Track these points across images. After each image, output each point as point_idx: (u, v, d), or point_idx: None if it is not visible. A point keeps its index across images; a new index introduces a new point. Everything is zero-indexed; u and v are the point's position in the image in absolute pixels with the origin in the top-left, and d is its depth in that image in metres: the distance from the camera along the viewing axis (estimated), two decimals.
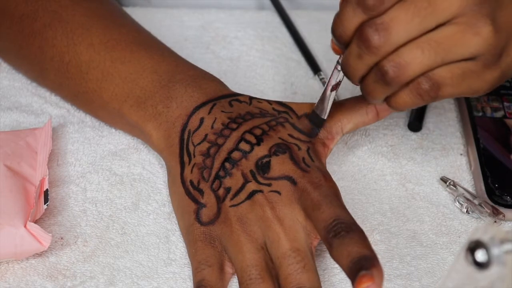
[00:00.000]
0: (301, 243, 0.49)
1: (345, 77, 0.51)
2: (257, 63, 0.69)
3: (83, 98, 0.60)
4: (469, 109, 0.62)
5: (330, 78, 0.53)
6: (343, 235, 0.46)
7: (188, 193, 0.53)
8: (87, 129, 0.61)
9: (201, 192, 0.52)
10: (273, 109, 0.56)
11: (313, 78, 0.67)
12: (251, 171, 0.52)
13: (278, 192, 0.51)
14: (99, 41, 0.58)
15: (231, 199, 0.51)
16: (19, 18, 0.60)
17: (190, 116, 0.55)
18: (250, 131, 0.53)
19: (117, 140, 0.60)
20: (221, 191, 0.52)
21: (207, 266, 0.50)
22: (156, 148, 0.57)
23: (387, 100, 0.50)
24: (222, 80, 0.59)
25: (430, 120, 0.63)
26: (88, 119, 0.62)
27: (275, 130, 0.54)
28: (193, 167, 0.53)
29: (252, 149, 0.53)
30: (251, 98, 0.57)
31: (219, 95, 0.56)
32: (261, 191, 0.51)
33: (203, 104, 0.55)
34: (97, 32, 0.59)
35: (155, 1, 0.76)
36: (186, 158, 0.54)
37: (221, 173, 0.52)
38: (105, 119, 0.61)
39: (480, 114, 0.62)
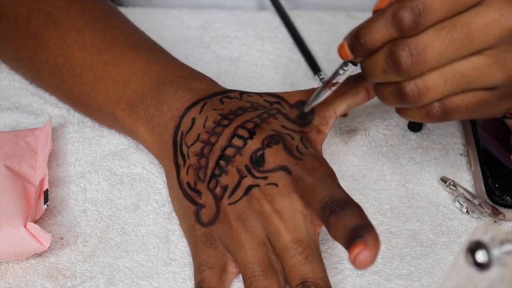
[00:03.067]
0: (302, 233, 0.49)
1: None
2: (257, 63, 0.69)
3: (79, 102, 0.60)
4: None
5: (331, 77, 0.52)
6: (338, 211, 0.46)
7: (186, 195, 0.52)
8: (87, 129, 0.61)
9: (198, 193, 0.52)
10: (265, 100, 0.56)
11: (313, 78, 0.67)
12: (246, 166, 0.51)
13: (275, 184, 0.50)
14: (91, 43, 0.58)
15: (229, 197, 0.51)
16: (14, 18, 0.60)
17: (181, 117, 0.55)
18: (242, 126, 0.53)
19: (117, 140, 0.60)
20: (218, 190, 0.51)
21: (207, 267, 0.50)
22: (151, 152, 0.57)
23: (396, 108, 0.50)
24: (222, 80, 0.59)
25: None
26: (88, 119, 0.62)
27: (267, 122, 0.54)
28: (188, 168, 0.53)
29: (245, 143, 0.52)
30: (241, 93, 0.57)
31: (210, 94, 0.56)
32: (257, 185, 0.51)
33: (194, 104, 0.55)
34: (90, 34, 0.59)
35: (155, 1, 0.76)
36: (180, 161, 0.54)
37: (217, 171, 0.52)
38: (101, 121, 0.61)
39: None
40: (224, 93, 0.56)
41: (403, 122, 0.63)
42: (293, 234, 0.49)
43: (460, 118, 0.49)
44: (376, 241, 0.44)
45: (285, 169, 0.51)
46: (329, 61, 0.68)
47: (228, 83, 0.59)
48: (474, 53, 0.45)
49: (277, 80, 0.67)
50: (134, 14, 0.64)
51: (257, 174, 0.51)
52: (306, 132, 0.54)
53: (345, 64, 0.50)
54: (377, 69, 0.47)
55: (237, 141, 0.53)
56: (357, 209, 0.46)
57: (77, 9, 0.60)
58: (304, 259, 0.48)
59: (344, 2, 0.76)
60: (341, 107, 0.56)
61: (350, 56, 0.49)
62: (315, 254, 0.49)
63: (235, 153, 0.52)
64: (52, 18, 0.59)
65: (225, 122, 0.54)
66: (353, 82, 0.56)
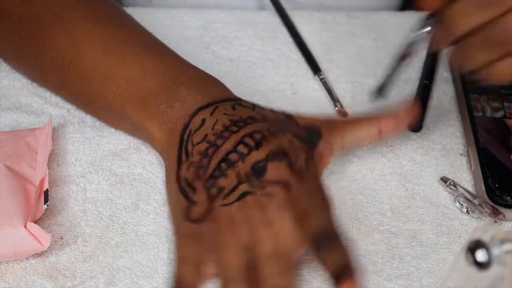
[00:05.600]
0: (286, 248, 0.49)
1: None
2: (257, 63, 0.69)
3: (85, 99, 0.59)
4: (469, 109, 0.62)
5: (403, 48, 0.51)
6: (327, 245, 0.48)
7: (181, 189, 0.53)
8: (87, 129, 0.61)
9: (194, 189, 0.52)
10: (276, 116, 0.56)
11: (313, 78, 0.67)
12: (246, 173, 0.52)
13: (271, 196, 0.51)
14: (99, 42, 0.58)
15: (223, 198, 0.51)
16: (18, 20, 0.60)
17: (192, 116, 0.55)
18: (250, 135, 0.53)
19: (117, 140, 0.60)
20: (214, 190, 0.52)
21: (186, 263, 0.50)
22: (158, 148, 0.57)
23: (480, 69, 0.49)
24: (222, 80, 0.59)
25: (430, 120, 0.63)
26: (88, 119, 0.62)
27: (275, 136, 0.54)
28: (189, 165, 0.53)
29: (250, 152, 0.52)
30: (254, 104, 0.57)
31: (223, 98, 0.56)
32: (253, 193, 0.51)
33: (206, 106, 0.55)
34: (98, 33, 0.59)
35: (155, 1, 0.76)
36: (183, 157, 0.54)
37: (216, 172, 0.52)
38: (106, 119, 0.61)
39: (480, 114, 0.62)
40: (237, 100, 0.57)
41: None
42: (277, 247, 0.49)
43: None
44: (357, 283, 0.47)
45: (284, 185, 0.51)
46: (329, 61, 0.68)
47: (228, 83, 0.59)
48: None
49: (277, 80, 0.67)
50: (134, 14, 0.64)
51: (255, 183, 0.51)
52: (311, 154, 0.54)
53: (429, 17, 0.49)
54: (473, 7, 0.46)
55: (242, 148, 0.53)
56: (345, 248, 0.49)
57: (83, 10, 0.60)
58: (281, 272, 0.48)
59: (344, 2, 0.76)
60: (349, 139, 0.56)
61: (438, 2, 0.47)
62: (292, 271, 0.49)
63: (238, 159, 0.52)
64: (58, 18, 0.59)
65: (234, 128, 0.54)
66: (367, 122, 0.56)
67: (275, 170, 0.52)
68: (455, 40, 0.48)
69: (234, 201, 0.51)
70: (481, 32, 0.47)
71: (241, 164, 0.52)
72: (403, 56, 0.51)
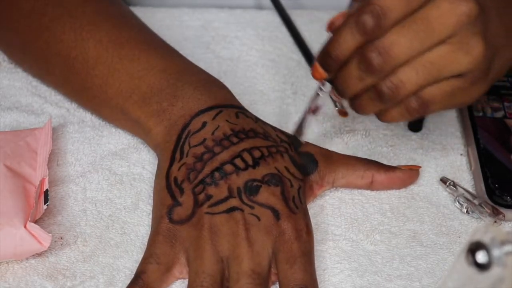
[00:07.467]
0: (264, 270, 0.49)
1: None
2: (257, 63, 0.68)
3: (87, 94, 0.59)
4: (469, 109, 0.62)
5: (310, 102, 0.53)
6: None
7: (168, 188, 0.53)
8: (87, 129, 0.61)
9: (181, 191, 0.52)
10: (276, 135, 0.56)
11: (313, 78, 0.67)
12: (238, 188, 0.52)
13: (258, 217, 0.51)
14: (108, 38, 0.58)
15: (209, 206, 0.51)
16: (28, 12, 0.61)
17: (193, 117, 0.55)
18: (249, 151, 0.53)
19: (117, 140, 0.60)
20: (201, 196, 0.52)
21: (155, 262, 0.50)
22: (153, 143, 0.57)
23: (377, 114, 0.52)
24: (222, 80, 0.59)
25: (430, 120, 0.63)
26: (88, 119, 0.62)
27: (273, 158, 0.54)
28: (182, 165, 0.53)
29: (246, 168, 0.53)
30: (257, 118, 0.57)
31: (227, 103, 0.56)
32: (241, 209, 0.51)
33: (209, 109, 0.55)
34: (107, 30, 0.59)
35: (155, 0, 0.76)
36: (177, 156, 0.54)
37: (208, 179, 0.52)
38: (105, 115, 0.60)
39: (480, 114, 0.62)
40: (241, 109, 0.57)
41: (403, 123, 0.63)
42: (256, 266, 0.49)
43: (438, 109, 0.51)
44: None
45: (275, 212, 0.51)
46: None
47: (228, 83, 0.59)
48: (438, 43, 0.48)
49: (277, 80, 0.67)
50: None
51: (246, 200, 0.51)
52: (303, 183, 0.54)
53: (321, 84, 0.52)
54: (352, 78, 0.49)
55: (239, 162, 0.53)
56: None
57: (93, 6, 0.61)
58: None
59: (345, 2, 0.76)
60: (341, 180, 0.56)
61: (324, 75, 0.51)
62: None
63: (233, 171, 0.52)
64: (68, 13, 0.60)
65: (235, 139, 0.54)
66: (363, 166, 0.56)
67: (268, 195, 0.52)
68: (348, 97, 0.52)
69: (221, 212, 0.51)
70: (366, 93, 0.50)
71: (235, 177, 0.52)
72: (315, 109, 0.54)
